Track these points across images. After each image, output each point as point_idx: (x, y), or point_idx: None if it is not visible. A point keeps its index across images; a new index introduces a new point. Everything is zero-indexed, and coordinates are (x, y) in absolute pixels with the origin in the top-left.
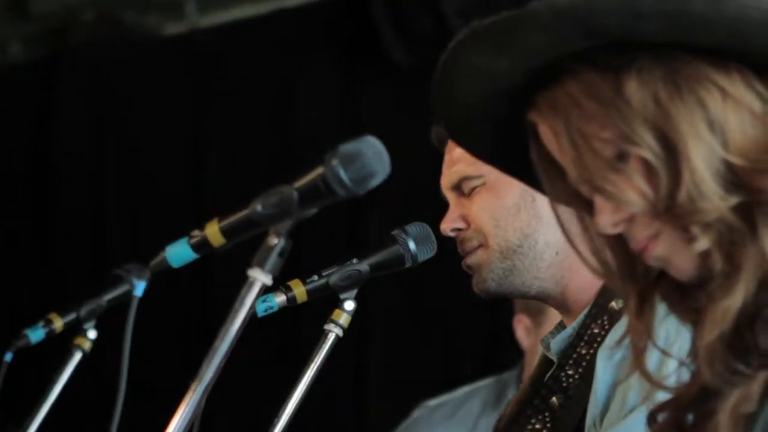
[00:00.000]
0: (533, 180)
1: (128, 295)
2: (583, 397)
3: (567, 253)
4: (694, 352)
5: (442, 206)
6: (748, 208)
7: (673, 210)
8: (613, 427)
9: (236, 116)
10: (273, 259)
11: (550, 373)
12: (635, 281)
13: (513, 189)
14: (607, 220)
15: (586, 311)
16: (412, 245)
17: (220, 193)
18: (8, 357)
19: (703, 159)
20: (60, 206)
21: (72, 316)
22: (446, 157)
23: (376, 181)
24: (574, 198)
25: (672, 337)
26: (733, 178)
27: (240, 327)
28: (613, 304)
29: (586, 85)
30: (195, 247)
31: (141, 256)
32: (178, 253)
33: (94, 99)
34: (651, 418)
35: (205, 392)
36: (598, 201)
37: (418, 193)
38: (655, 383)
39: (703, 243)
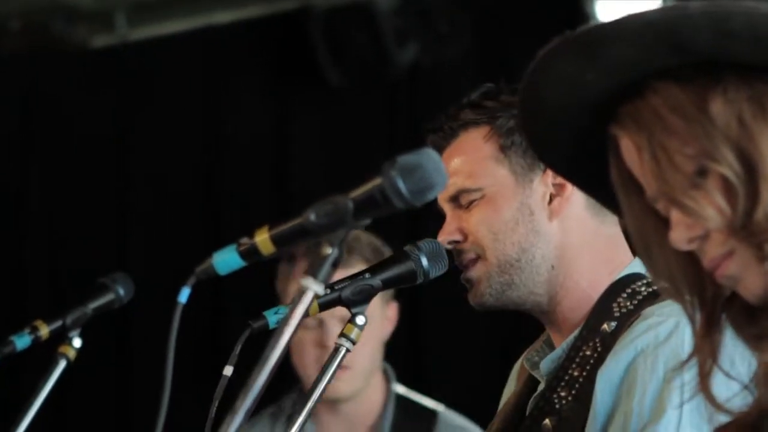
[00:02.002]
0: (606, 198)
1: (113, 304)
2: (577, 418)
3: (562, 269)
4: (757, 377)
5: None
6: None
7: (748, 228)
8: None
9: (164, 133)
10: (326, 268)
11: (539, 393)
12: (704, 302)
13: (511, 203)
14: (682, 236)
15: (576, 333)
16: (424, 261)
17: (145, 210)
18: None
19: None
20: None
21: (58, 323)
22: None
23: (434, 194)
24: (649, 215)
25: (735, 360)
26: None
27: (291, 336)
28: (605, 326)
29: (670, 101)
30: (243, 255)
31: (61, 276)
32: (226, 260)
33: (20, 110)
34: None
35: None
36: (675, 216)
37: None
38: (717, 406)
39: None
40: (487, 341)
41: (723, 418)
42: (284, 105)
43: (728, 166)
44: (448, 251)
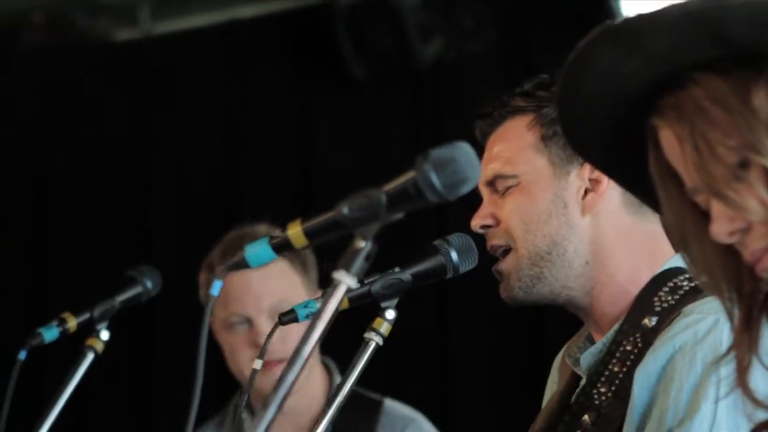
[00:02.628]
0: (642, 192)
1: (140, 297)
2: (616, 415)
3: (597, 264)
4: None
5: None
6: None
7: None
8: None
9: (187, 127)
10: (359, 262)
11: (579, 389)
12: (743, 296)
13: (546, 194)
14: (724, 229)
15: (617, 327)
16: (454, 255)
17: (170, 204)
18: (22, 355)
19: None
20: (3, 203)
21: (86, 316)
22: (485, 153)
23: (467, 188)
24: (689, 208)
25: None
26: None
27: (325, 329)
28: (646, 321)
29: (712, 93)
30: (276, 248)
31: (82, 270)
32: (258, 253)
33: (43, 103)
34: None
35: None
36: (716, 208)
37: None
38: (757, 402)
39: None
40: (516, 337)
41: (762, 415)
42: (307, 99)
43: None
44: (480, 236)
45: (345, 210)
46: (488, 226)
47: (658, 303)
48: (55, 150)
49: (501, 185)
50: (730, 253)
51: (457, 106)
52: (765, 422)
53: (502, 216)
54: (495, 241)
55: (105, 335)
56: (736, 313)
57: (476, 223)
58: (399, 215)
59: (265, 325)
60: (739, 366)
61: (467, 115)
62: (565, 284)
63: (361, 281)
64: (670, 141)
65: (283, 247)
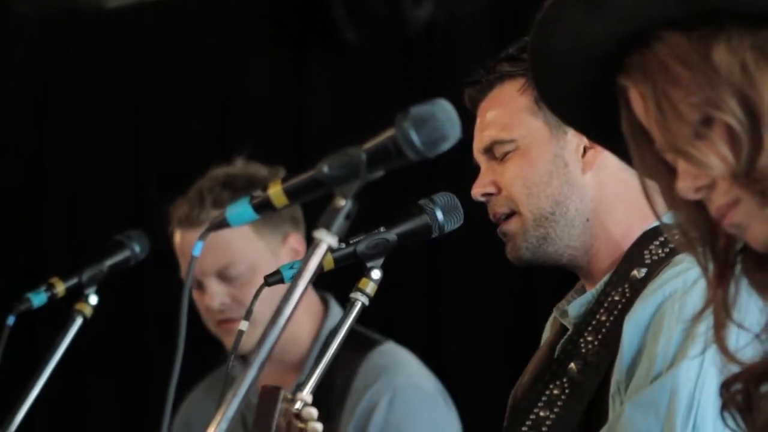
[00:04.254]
0: (621, 150)
1: (129, 261)
2: (602, 363)
3: (597, 221)
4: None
5: (392, 187)
6: None
7: (752, 176)
8: (639, 393)
9: (180, 92)
10: (339, 221)
11: (566, 338)
12: (716, 253)
13: (545, 155)
14: (688, 185)
15: (606, 278)
16: (439, 215)
17: (162, 168)
18: (10, 320)
19: None
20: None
21: (74, 281)
22: (478, 120)
23: (447, 145)
24: (661, 167)
25: (748, 310)
26: None
27: (305, 289)
28: (635, 272)
29: (675, 50)
30: (256, 208)
31: (79, 234)
32: (239, 213)
33: (35, 71)
34: (723, 388)
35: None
36: (681, 166)
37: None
38: (730, 357)
39: None
40: (509, 296)
41: (733, 369)
42: (300, 63)
43: (732, 115)
44: (466, 195)
45: (325, 168)
46: (490, 194)
47: (648, 256)
48: (48, 118)
49: (499, 151)
50: (703, 210)
51: (449, 69)
52: (735, 375)
53: (503, 182)
54: (498, 208)
55: (94, 300)
56: (711, 269)
57: (477, 191)
58: (379, 173)
59: (212, 286)
60: (715, 322)
61: (459, 79)
62: (568, 243)
63: (346, 241)
64: (636, 100)
65: (263, 207)
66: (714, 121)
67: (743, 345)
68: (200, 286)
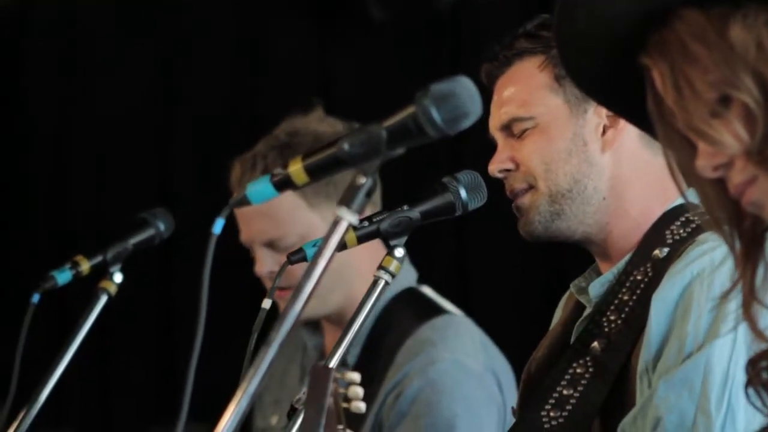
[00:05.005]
0: (647, 125)
1: (153, 239)
2: (626, 342)
3: (614, 200)
4: None
5: (412, 163)
6: None
7: (766, 153)
8: (670, 372)
9: (203, 69)
10: (360, 198)
11: (587, 317)
12: (742, 232)
13: (565, 133)
14: (707, 163)
15: (627, 258)
16: (463, 193)
17: (190, 149)
18: (35, 299)
19: None
20: (24, 162)
21: (98, 258)
22: (495, 97)
23: (468, 122)
24: (686, 146)
25: None
26: None
27: (325, 266)
28: (657, 252)
29: (693, 29)
30: (277, 185)
31: (104, 214)
32: (260, 190)
33: (61, 51)
34: (750, 365)
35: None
36: (700, 144)
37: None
38: (759, 335)
39: None
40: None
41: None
42: (326, 41)
43: (747, 93)
44: (498, 180)
45: (346, 146)
46: (507, 170)
47: (670, 235)
48: (74, 95)
49: (517, 128)
50: (726, 188)
51: (475, 47)
52: (759, 353)
53: (521, 158)
54: (516, 184)
55: (118, 277)
56: (738, 248)
57: (494, 167)
58: (400, 151)
59: (262, 254)
60: (744, 300)
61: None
62: (582, 220)
63: (369, 219)
64: (658, 80)
65: (284, 185)
66: (731, 100)
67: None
68: (252, 251)
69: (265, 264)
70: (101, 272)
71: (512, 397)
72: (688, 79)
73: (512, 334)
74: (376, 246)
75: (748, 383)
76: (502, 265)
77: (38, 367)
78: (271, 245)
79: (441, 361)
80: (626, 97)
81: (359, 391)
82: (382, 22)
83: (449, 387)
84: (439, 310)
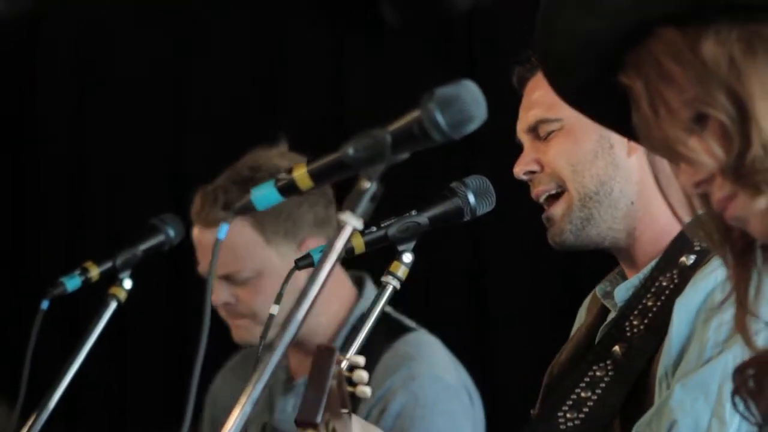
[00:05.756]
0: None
1: (163, 245)
2: (647, 347)
3: (642, 205)
4: None
5: (430, 165)
6: None
7: (741, 171)
8: (688, 376)
9: (218, 71)
10: (364, 203)
11: (611, 321)
12: (732, 243)
13: (591, 135)
14: (687, 181)
15: (653, 263)
16: (471, 198)
17: (203, 151)
18: (44, 305)
19: None
20: (40, 159)
21: (108, 265)
22: (524, 100)
23: (473, 126)
24: (668, 160)
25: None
26: None
27: (330, 271)
28: (684, 258)
29: (667, 47)
30: (282, 190)
31: (120, 216)
32: (264, 195)
33: (76, 56)
34: (737, 373)
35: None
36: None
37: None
38: (751, 345)
39: (763, 201)
40: (553, 279)
41: None
42: (340, 44)
43: (722, 110)
44: (510, 186)
45: (350, 151)
46: (533, 172)
47: (698, 243)
48: (88, 95)
49: (543, 130)
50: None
51: (490, 51)
52: (747, 360)
53: (547, 161)
54: (541, 186)
55: (128, 284)
56: (730, 260)
57: (520, 169)
58: (405, 155)
59: (217, 286)
60: (736, 313)
61: (500, 60)
62: (611, 225)
63: (377, 225)
64: (634, 98)
65: (288, 190)
66: (707, 118)
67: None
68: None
69: (221, 295)
70: (111, 278)
71: (481, 411)
72: (663, 98)
73: (526, 339)
74: (337, 272)
75: (735, 391)
76: (516, 270)
77: (50, 373)
78: (228, 278)
79: (421, 376)
80: (614, 111)
81: (364, 375)
82: (396, 27)
83: (431, 401)
84: (407, 327)
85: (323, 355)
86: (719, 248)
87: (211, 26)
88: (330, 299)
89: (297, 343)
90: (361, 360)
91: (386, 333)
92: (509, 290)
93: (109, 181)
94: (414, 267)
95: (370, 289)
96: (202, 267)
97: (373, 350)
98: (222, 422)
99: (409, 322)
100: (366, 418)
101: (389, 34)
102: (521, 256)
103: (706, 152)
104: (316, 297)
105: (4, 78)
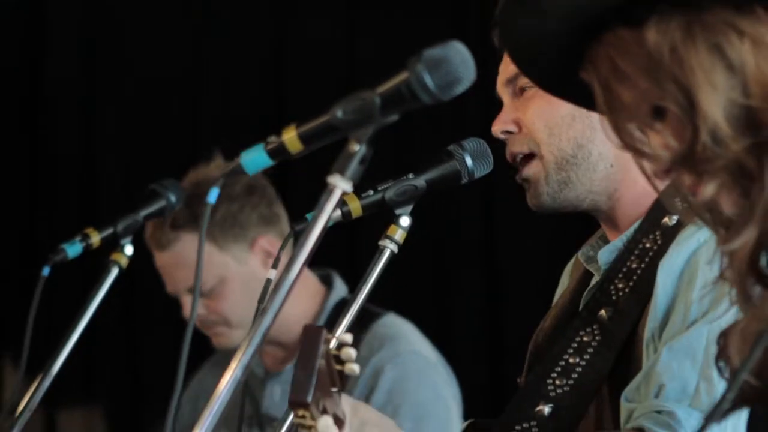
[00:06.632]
0: None
1: (164, 211)
2: (633, 310)
3: (621, 166)
4: None
5: (442, 133)
6: (762, 148)
7: (693, 159)
8: (674, 339)
9: (233, 55)
10: (353, 166)
11: (595, 285)
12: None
13: None
14: (656, 169)
15: (636, 225)
16: (468, 160)
17: (215, 123)
18: (45, 271)
19: (717, 105)
20: (51, 141)
21: (109, 231)
22: (505, 55)
23: (461, 88)
24: None
25: None
26: (750, 119)
27: (320, 234)
28: (666, 219)
29: (618, 42)
30: (271, 154)
31: (131, 189)
32: (254, 159)
33: (85, 27)
34: (721, 337)
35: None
36: None
37: (417, 121)
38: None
39: (710, 188)
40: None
41: None
42: (352, 21)
43: (672, 100)
44: (501, 142)
45: (339, 113)
46: (510, 132)
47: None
48: (101, 76)
49: (522, 83)
50: None
51: None
52: (731, 325)
53: (525, 121)
54: (516, 147)
55: (129, 250)
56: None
57: (497, 128)
58: (394, 117)
59: (187, 301)
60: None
61: None
62: (590, 188)
63: (374, 188)
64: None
65: (278, 153)
66: (665, 110)
67: None
68: (180, 299)
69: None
70: (113, 245)
71: (456, 385)
72: (617, 94)
73: (540, 309)
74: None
75: (719, 355)
76: (530, 244)
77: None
78: (192, 291)
79: (404, 353)
80: (582, 93)
81: (352, 352)
82: (408, 1)
83: (416, 376)
84: (378, 312)
85: (311, 335)
86: (709, 223)
87: (224, 9)
88: (298, 293)
89: (270, 339)
90: (348, 337)
91: (359, 320)
92: (522, 261)
93: (121, 161)
94: (426, 238)
95: (339, 283)
96: (169, 287)
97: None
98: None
99: (376, 308)
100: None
101: (401, 4)
102: (534, 226)
103: (662, 146)
104: (305, 262)
105: (11, 60)
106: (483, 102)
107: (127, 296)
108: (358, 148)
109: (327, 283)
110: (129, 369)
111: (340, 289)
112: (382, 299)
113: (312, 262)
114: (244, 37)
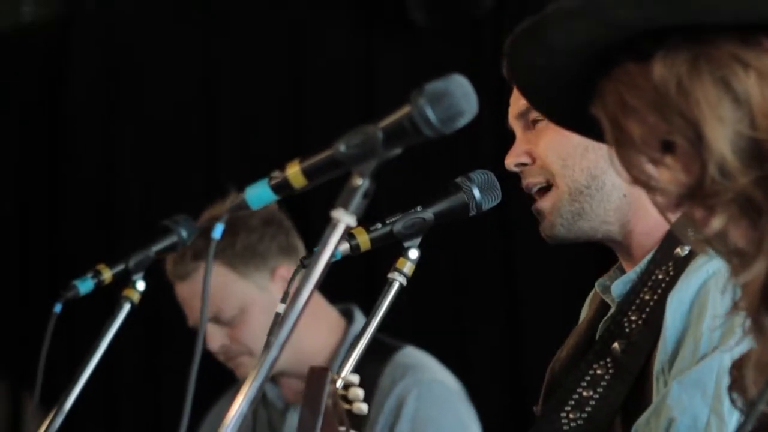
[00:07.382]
0: None
1: (176, 246)
2: (646, 342)
3: (635, 197)
4: None
5: (458, 165)
6: None
7: (701, 192)
8: (684, 373)
9: (250, 71)
10: (357, 200)
11: (609, 317)
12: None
13: None
14: (666, 203)
15: (649, 257)
16: (476, 192)
17: (233, 147)
18: (57, 308)
19: (724, 138)
20: (72, 165)
21: (121, 267)
22: (515, 89)
23: (463, 121)
24: None
25: None
26: (757, 152)
27: (324, 269)
28: (678, 250)
29: (626, 77)
30: (275, 189)
31: (152, 212)
32: (258, 194)
33: (107, 58)
34: (733, 368)
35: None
36: None
37: (433, 153)
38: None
39: (719, 221)
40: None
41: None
42: (369, 44)
43: (681, 134)
44: (515, 174)
45: (342, 147)
46: (523, 164)
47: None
48: (120, 95)
49: (533, 116)
50: None
51: None
52: (742, 356)
53: (538, 153)
54: (531, 179)
55: (141, 286)
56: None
57: (511, 161)
58: (397, 151)
59: (210, 331)
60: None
61: None
62: (604, 219)
63: (382, 221)
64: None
65: (282, 188)
66: (674, 144)
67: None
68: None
69: (215, 339)
70: (125, 281)
71: (475, 414)
72: (626, 130)
73: (558, 328)
74: (317, 299)
75: (732, 387)
76: (549, 266)
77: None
78: (216, 320)
79: (427, 382)
80: (595, 124)
81: (359, 392)
82: (423, 26)
83: (439, 403)
84: (397, 345)
85: (316, 376)
86: (723, 254)
87: (241, 28)
88: (318, 326)
89: (290, 372)
90: (355, 378)
91: (378, 353)
92: (541, 279)
93: (141, 185)
94: (445, 269)
95: (359, 317)
96: (191, 320)
97: (370, 372)
98: None
99: (394, 341)
100: (376, 424)
101: (417, 34)
102: (554, 256)
103: (671, 180)
104: (308, 299)
105: (35, 81)
106: (498, 134)
107: (150, 333)
108: (361, 182)
109: (348, 316)
110: (150, 405)
111: (360, 322)
112: (402, 330)
113: (331, 295)
114: (264, 64)
